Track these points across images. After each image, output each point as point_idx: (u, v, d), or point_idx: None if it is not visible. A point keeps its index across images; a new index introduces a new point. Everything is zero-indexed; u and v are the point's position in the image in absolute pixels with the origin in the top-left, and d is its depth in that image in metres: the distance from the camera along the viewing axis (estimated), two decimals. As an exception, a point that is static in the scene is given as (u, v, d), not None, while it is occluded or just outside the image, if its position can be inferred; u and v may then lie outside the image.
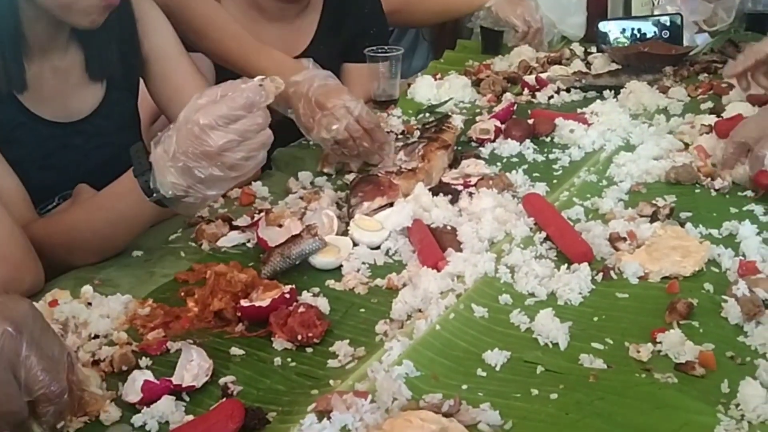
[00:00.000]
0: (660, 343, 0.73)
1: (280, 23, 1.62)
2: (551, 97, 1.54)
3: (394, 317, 0.82)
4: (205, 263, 0.93)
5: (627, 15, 1.93)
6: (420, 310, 0.82)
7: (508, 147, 1.27)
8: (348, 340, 0.78)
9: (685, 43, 1.79)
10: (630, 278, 0.85)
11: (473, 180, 1.12)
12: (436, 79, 1.65)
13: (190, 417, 0.67)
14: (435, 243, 0.95)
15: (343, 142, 1.18)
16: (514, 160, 1.24)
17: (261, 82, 0.82)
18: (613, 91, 1.48)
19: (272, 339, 0.78)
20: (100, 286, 0.89)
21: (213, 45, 1.32)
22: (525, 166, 1.19)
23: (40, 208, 1.08)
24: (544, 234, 0.95)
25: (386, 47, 1.57)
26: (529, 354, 0.74)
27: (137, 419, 0.67)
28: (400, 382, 0.69)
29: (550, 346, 0.75)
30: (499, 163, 1.22)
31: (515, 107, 1.46)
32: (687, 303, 0.77)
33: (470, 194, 1.07)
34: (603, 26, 1.82)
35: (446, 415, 0.64)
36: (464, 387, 0.70)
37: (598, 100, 1.42)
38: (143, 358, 0.75)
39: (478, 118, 1.42)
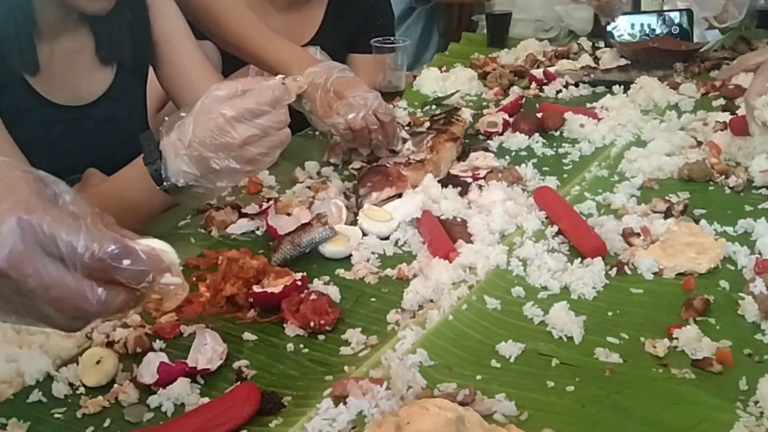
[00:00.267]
0: (676, 339, 0.73)
1: (287, 12, 1.62)
2: (559, 91, 1.54)
3: (406, 307, 0.82)
4: (215, 249, 0.92)
5: (636, 9, 1.93)
6: (432, 301, 0.82)
7: (516, 140, 1.27)
8: (360, 329, 0.77)
9: (696, 39, 1.78)
10: (644, 274, 0.85)
11: (482, 173, 1.12)
12: (441, 72, 1.64)
13: (205, 399, 0.67)
14: (445, 234, 0.94)
15: (358, 132, 1.17)
16: (523, 153, 1.23)
17: (283, 81, 0.83)
18: (622, 87, 1.48)
19: (284, 325, 0.78)
20: (110, 269, 0.88)
21: (227, 33, 1.30)
22: (534, 160, 1.18)
23: (48, 192, 1.07)
24: (555, 228, 0.95)
25: (392, 38, 1.56)
26: (543, 346, 0.74)
27: (153, 400, 0.66)
28: (414, 370, 0.69)
29: (565, 339, 0.75)
30: (507, 157, 1.21)
31: (523, 101, 1.45)
32: (704, 299, 0.77)
33: (479, 186, 1.06)
34: (611, 25, 1.81)
35: (461, 404, 0.64)
36: (478, 377, 0.70)
37: (608, 95, 1.42)
38: (157, 340, 0.74)
39: (485, 111, 1.42)
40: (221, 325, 0.78)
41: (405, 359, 0.70)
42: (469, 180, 1.10)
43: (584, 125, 1.28)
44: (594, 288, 0.82)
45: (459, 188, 1.06)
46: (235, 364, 0.71)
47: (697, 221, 0.95)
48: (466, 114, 1.32)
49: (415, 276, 0.87)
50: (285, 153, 1.33)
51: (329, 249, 0.93)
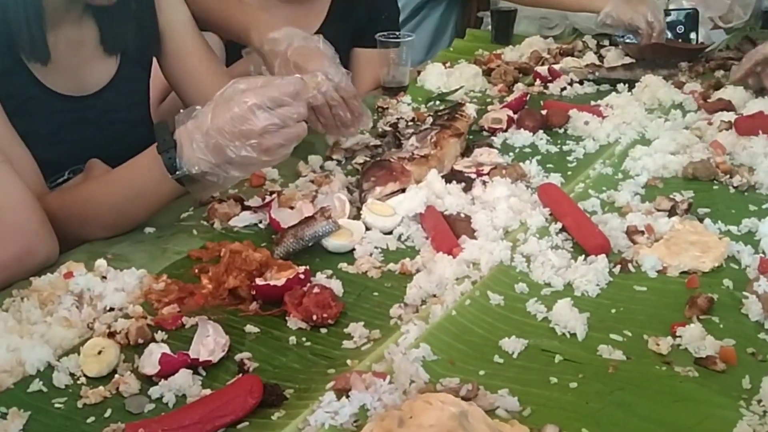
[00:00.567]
0: (680, 337, 0.73)
1: (292, 4, 1.61)
2: (564, 88, 1.53)
3: (409, 302, 0.81)
4: (218, 242, 0.92)
5: None
6: (435, 296, 0.82)
7: (520, 137, 1.26)
8: (362, 323, 0.77)
9: (701, 39, 1.78)
10: (648, 272, 0.85)
11: (486, 169, 1.11)
12: (446, 68, 1.64)
13: (207, 391, 0.66)
14: (449, 229, 0.94)
15: (319, 108, 1.12)
16: (527, 150, 1.23)
17: (302, 77, 0.87)
18: (627, 85, 1.48)
19: (287, 318, 0.78)
20: (113, 261, 0.88)
21: (211, 12, 1.26)
22: (538, 157, 1.18)
23: (50, 181, 1.06)
24: (559, 224, 0.94)
25: (397, 33, 1.56)
26: (546, 343, 0.74)
27: (154, 391, 0.66)
28: (417, 364, 0.69)
29: (568, 336, 0.75)
30: (511, 153, 1.21)
31: (528, 97, 1.44)
32: (708, 298, 0.77)
33: (483, 183, 1.06)
34: None
35: (464, 399, 0.64)
36: (481, 373, 0.69)
37: (612, 93, 1.41)
38: (159, 332, 0.74)
39: (489, 108, 1.41)
40: (223, 317, 0.77)
41: (408, 354, 0.70)
42: (473, 176, 1.10)
43: (589, 123, 1.27)
44: (598, 285, 0.82)
45: (463, 184, 1.06)
46: (237, 357, 0.71)
47: (701, 220, 0.95)
48: (471, 110, 1.31)
49: (418, 271, 0.87)
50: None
51: (332, 243, 0.92)
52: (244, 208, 1.03)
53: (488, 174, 1.09)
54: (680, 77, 1.54)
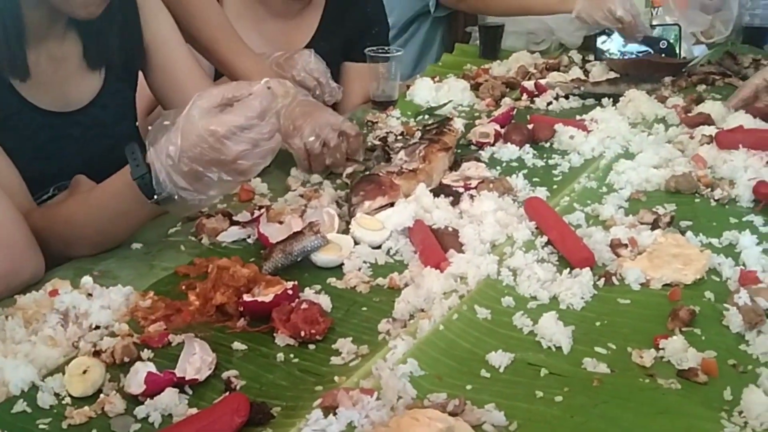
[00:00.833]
0: (663, 349, 0.73)
1: (282, 18, 1.62)
2: (550, 103, 1.55)
3: (397, 316, 0.82)
4: (206, 257, 0.92)
5: None
6: (423, 310, 0.82)
7: (507, 151, 1.28)
8: (351, 338, 0.77)
9: (683, 54, 1.81)
10: (632, 284, 0.85)
11: (474, 183, 1.12)
12: (435, 82, 1.66)
13: (194, 410, 0.66)
14: (437, 243, 0.95)
15: (315, 156, 1.19)
16: (514, 164, 1.24)
17: (269, 85, 0.82)
18: (611, 99, 1.50)
19: (274, 335, 0.78)
20: (100, 277, 0.88)
21: (199, 34, 1.29)
22: (525, 171, 1.19)
23: (35, 198, 1.06)
24: (545, 238, 0.95)
25: (387, 48, 1.57)
26: (532, 356, 0.74)
27: (140, 411, 0.66)
28: (405, 380, 0.69)
29: (554, 349, 0.75)
30: (498, 167, 1.22)
31: (515, 112, 1.46)
32: (689, 310, 0.78)
33: (471, 197, 1.07)
34: (601, 41, 1.84)
35: (451, 414, 0.64)
36: (468, 387, 0.70)
37: (597, 108, 1.43)
38: (145, 350, 0.74)
39: (477, 122, 1.43)
40: (210, 335, 0.77)
41: (396, 369, 0.70)
42: (461, 190, 1.11)
43: (574, 137, 1.29)
44: (582, 298, 0.83)
45: (451, 198, 1.07)
46: (224, 374, 0.71)
47: (683, 233, 0.96)
48: (459, 124, 1.33)
49: (406, 285, 0.87)
50: (277, 161, 1.33)
51: (321, 258, 0.93)
52: (233, 223, 1.03)
53: (476, 188, 1.10)
54: (663, 92, 1.57)
